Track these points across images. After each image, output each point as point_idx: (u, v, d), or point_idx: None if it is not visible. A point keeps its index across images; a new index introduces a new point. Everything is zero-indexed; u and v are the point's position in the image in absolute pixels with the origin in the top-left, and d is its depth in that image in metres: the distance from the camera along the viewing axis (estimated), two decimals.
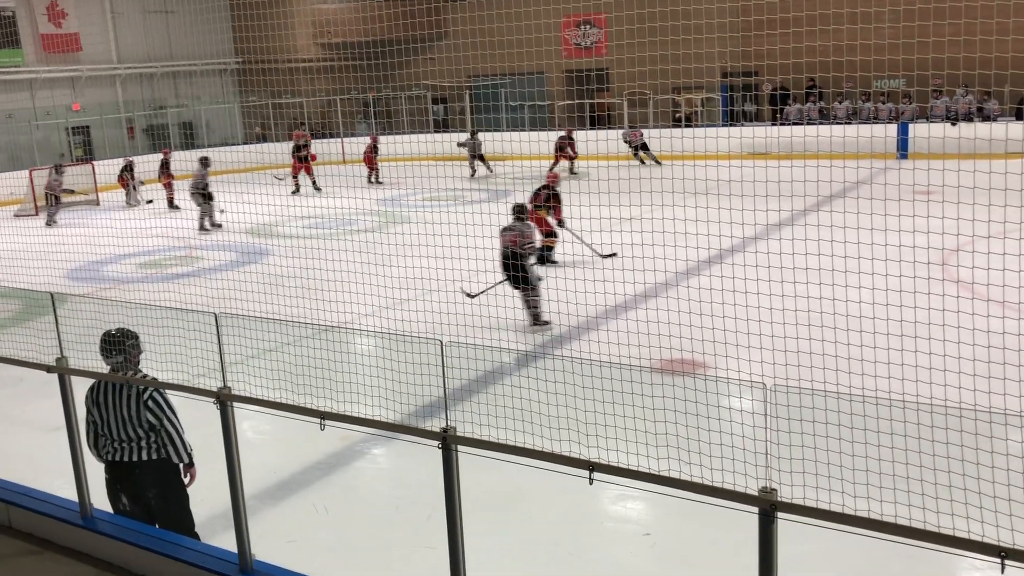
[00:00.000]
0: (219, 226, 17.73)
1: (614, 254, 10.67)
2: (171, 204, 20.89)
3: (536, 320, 9.33)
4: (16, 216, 21.20)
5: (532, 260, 9.82)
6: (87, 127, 28.51)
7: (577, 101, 27.28)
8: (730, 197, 7.07)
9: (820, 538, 3.10)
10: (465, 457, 3.74)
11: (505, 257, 9.58)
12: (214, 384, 4.37)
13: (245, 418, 4.72)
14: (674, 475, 3.33)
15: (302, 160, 22.91)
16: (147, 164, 21.29)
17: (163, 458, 4.82)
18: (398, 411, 4.39)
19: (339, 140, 28.17)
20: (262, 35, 23.74)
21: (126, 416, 4.74)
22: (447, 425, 3.74)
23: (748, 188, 7.34)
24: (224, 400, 4.31)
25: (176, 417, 4.80)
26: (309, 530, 5.75)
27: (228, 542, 4.52)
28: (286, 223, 16.78)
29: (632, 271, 6.20)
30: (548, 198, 12.21)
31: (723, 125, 24.69)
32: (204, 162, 17.90)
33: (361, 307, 8.69)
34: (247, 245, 15.19)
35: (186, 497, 4.97)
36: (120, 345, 4.78)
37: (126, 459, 4.77)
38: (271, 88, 29.34)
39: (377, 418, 4.08)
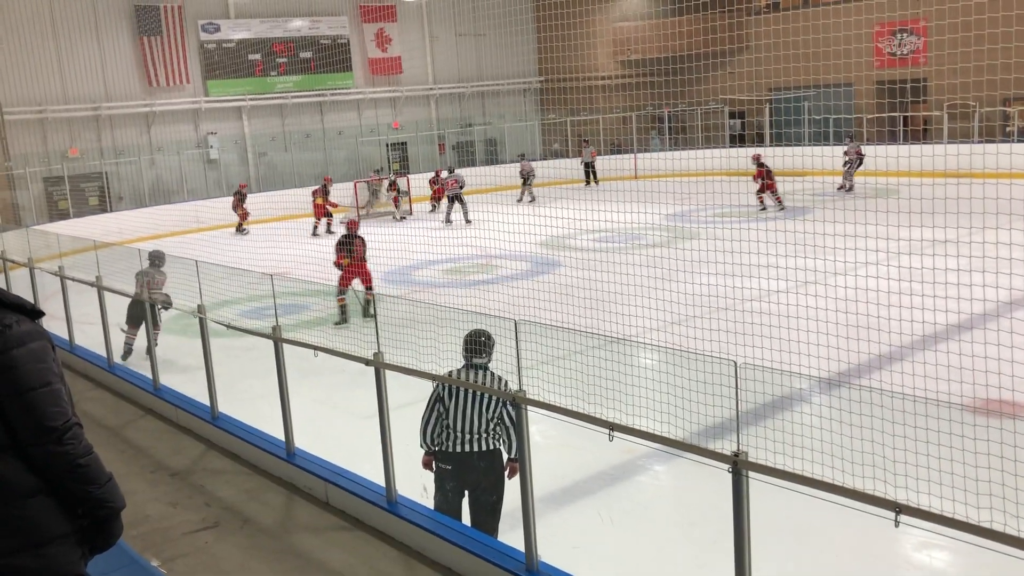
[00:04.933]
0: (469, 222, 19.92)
1: (369, 297, 9.48)
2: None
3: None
4: (341, 223, 23.55)
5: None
6: (404, 143, 31.10)
7: (889, 114, 25.47)
8: None
9: None
10: (753, 484, 3.61)
11: None
12: (510, 387, 4.56)
13: (532, 422, 4.88)
14: (996, 527, 2.99)
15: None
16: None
17: (495, 449, 5.14)
18: (685, 429, 4.32)
19: (631, 156, 28.47)
20: (564, 55, 24.63)
21: (482, 410, 5.05)
22: (738, 449, 3.63)
23: None
24: (519, 403, 4.48)
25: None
26: (592, 538, 5.82)
27: (516, 540, 4.69)
28: (577, 236, 17.20)
29: (945, 299, 5.67)
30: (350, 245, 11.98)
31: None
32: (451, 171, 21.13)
33: (649, 320, 8.69)
34: (540, 256, 15.75)
35: (503, 492, 5.21)
36: (487, 347, 5.13)
37: (466, 449, 5.09)
38: (570, 106, 30.28)
39: (665, 434, 4.04)
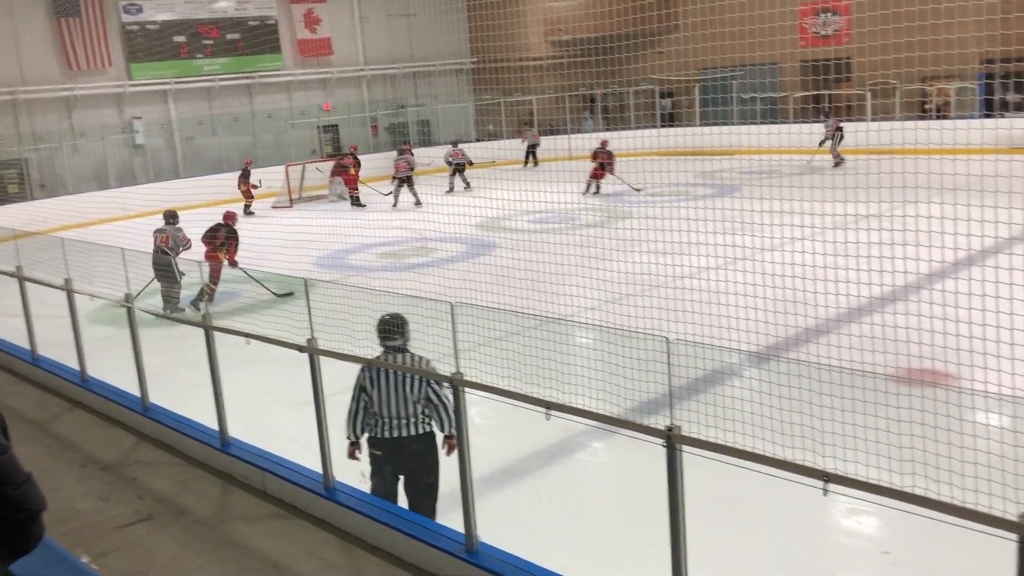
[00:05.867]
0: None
1: (290, 293, 9.97)
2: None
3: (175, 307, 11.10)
4: (273, 207, 23.16)
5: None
6: (336, 125, 30.67)
7: (814, 92, 26.01)
8: (982, 194, 6.46)
9: None
10: (687, 456, 3.67)
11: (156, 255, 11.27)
12: (447, 369, 4.55)
13: (471, 404, 4.90)
14: (919, 492, 3.10)
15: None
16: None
17: (428, 432, 5.15)
18: (621, 406, 4.38)
19: (566, 137, 28.56)
20: (496, 34, 24.52)
21: (407, 392, 5.06)
22: (672, 424, 3.69)
23: (1007, 185, 6.68)
24: (457, 385, 4.48)
25: (448, 391, 5.05)
26: (532, 517, 5.87)
27: (455, 522, 4.70)
28: (513, 217, 17.22)
29: (879, 272, 5.82)
30: (227, 237, 12.18)
31: (980, 116, 22.66)
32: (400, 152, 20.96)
33: (585, 300, 8.76)
34: (477, 238, 15.73)
35: (438, 473, 5.24)
36: (400, 329, 5.15)
37: (395, 435, 5.10)
38: (503, 86, 30.21)
39: (601, 411, 4.09)
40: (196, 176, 25.17)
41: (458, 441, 4.57)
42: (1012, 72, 23.08)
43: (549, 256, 10.02)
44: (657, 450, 3.72)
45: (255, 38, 28.35)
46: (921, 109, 24.03)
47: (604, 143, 22.22)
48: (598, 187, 21.51)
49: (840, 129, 22.41)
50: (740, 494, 5.58)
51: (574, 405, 4.12)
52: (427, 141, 30.41)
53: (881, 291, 6.75)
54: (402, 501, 5.27)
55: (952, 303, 4.85)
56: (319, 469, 5.38)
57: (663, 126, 28.55)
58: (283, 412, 7.72)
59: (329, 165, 24.81)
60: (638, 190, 20.53)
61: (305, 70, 30.06)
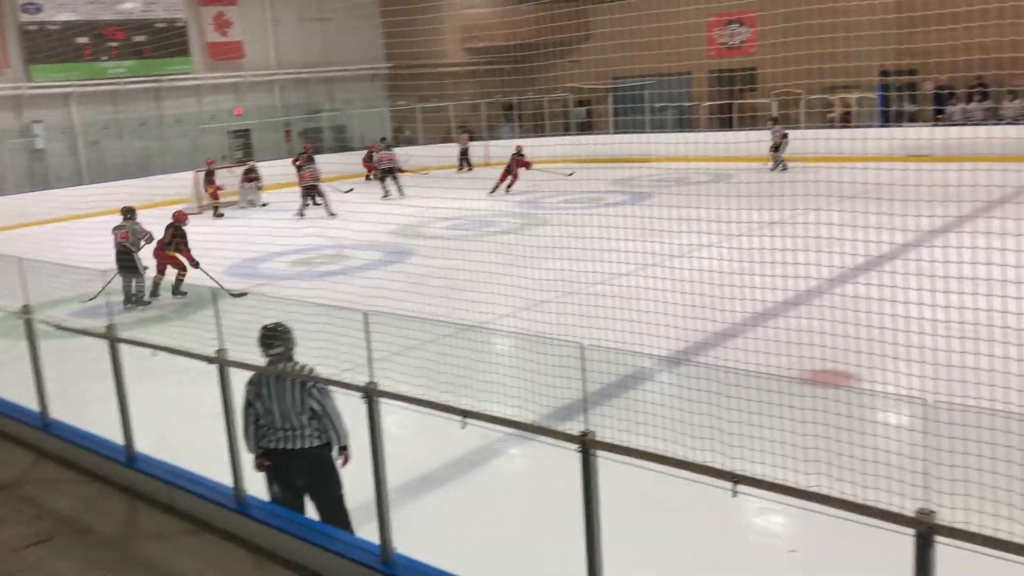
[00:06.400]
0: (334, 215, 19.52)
1: (244, 293, 10.46)
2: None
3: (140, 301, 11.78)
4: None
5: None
6: (247, 130, 30.07)
7: (723, 102, 26.67)
8: (880, 201, 6.73)
9: (983, 566, 2.90)
10: (603, 461, 3.71)
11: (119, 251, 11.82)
12: (362, 379, 4.51)
13: (388, 413, 4.85)
14: (824, 491, 3.20)
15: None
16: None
17: (323, 444, 5.05)
18: (537, 412, 4.40)
19: (483, 144, 28.66)
20: (411, 40, 24.45)
21: (290, 405, 4.97)
22: (586, 429, 3.72)
23: (906, 192, 6.96)
24: (371, 395, 4.43)
25: (335, 402, 5.01)
26: (449, 525, 5.84)
27: (371, 533, 4.65)
28: (429, 224, 17.17)
29: (782, 277, 6.01)
30: (174, 236, 12.71)
31: (879, 126, 23.57)
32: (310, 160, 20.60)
33: (501, 307, 8.78)
34: (392, 245, 15.62)
35: (341, 483, 5.16)
36: (280, 337, 5.03)
37: (288, 447, 5.00)
38: (419, 92, 30.10)
39: (516, 418, 4.10)
40: (101, 182, 24.32)
41: (372, 451, 4.51)
42: (908, 83, 24.11)
43: (465, 263, 10.01)
44: (574, 455, 3.75)
45: (163, 40, 27.58)
46: (824, 118, 24.86)
47: (519, 148, 22.86)
48: (508, 187, 22.12)
49: (786, 136, 22.77)
50: (654, 496, 5.68)
51: (490, 412, 4.12)
52: (343, 146, 30.10)
53: (784, 295, 6.96)
54: (313, 515, 5.19)
55: (852, 307, 5.04)
56: (230, 483, 5.25)
57: (578, 134, 28.90)
58: (194, 425, 7.52)
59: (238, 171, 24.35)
60: (570, 174, 20.97)
61: (215, 74, 29.39)
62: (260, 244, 15.01)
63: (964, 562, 2.91)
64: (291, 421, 4.98)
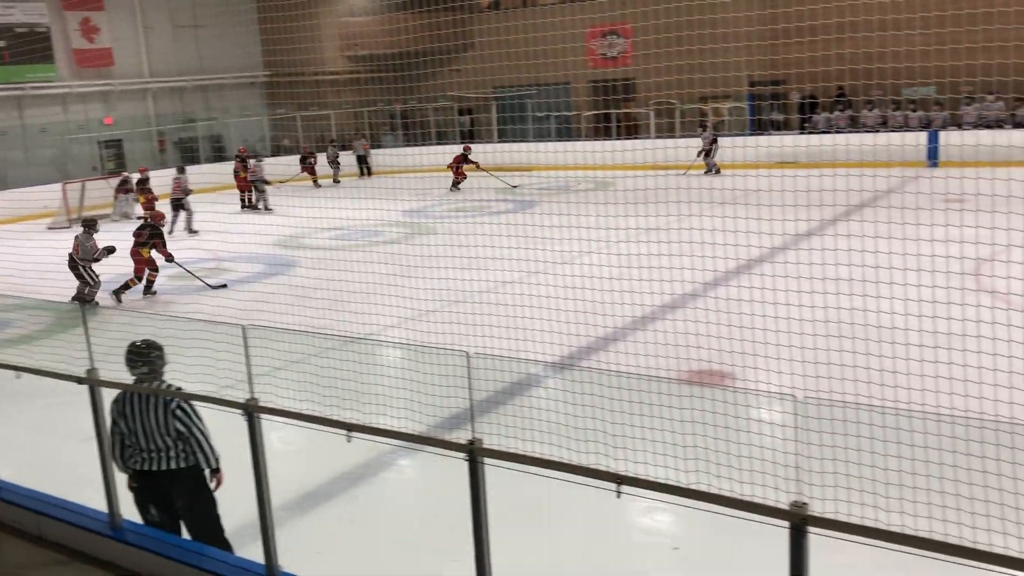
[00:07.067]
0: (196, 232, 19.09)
1: (224, 285, 10.92)
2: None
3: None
4: (49, 228, 21.49)
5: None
6: (119, 140, 28.89)
7: (603, 111, 27.25)
8: (746, 207, 7.02)
9: (853, 551, 3.05)
10: (493, 469, 3.73)
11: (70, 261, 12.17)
12: (242, 396, 4.39)
13: (273, 429, 4.74)
14: (703, 488, 3.29)
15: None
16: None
17: (191, 466, 4.86)
18: (425, 423, 4.38)
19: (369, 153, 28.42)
20: (290, 48, 24.00)
21: (154, 425, 4.78)
22: (473, 437, 3.73)
23: (775, 198, 7.28)
24: (251, 411, 4.32)
25: (203, 423, 4.84)
26: (336, 541, 5.75)
27: (255, 553, 4.53)
28: (312, 235, 16.88)
29: (659, 282, 6.17)
30: (151, 236, 13.18)
31: (750, 134, 24.51)
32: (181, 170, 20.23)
33: (387, 318, 8.71)
34: (274, 257, 15.28)
35: (215, 504, 4.99)
36: (145, 356, 4.82)
37: (155, 468, 4.81)
38: (299, 101, 29.59)
39: (403, 430, 4.07)
40: None
41: (254, 468, 4.39)
42: (775, 93, 25.21)
43: (350, 274, 9.89)
44: (464, 464, 3.75)
45: (23, 46, 26.20)
46: (700, 127, 25.72)
47: (467, 148, 24.02)
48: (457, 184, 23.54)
49: (715, 141, 23.13)
50: (542, 500, 5.73)
51: (376, 425, 4.08)
52: (219, 156, 29.25)
53: (663, 299, 7.16)
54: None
55: (726, 309, 5.22)
56: (104, 508, 5.02)
57: (463, 142, 29.00)
58: (64, 449, 7.17)
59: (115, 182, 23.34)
60: (515, 187, 21.26)
61: (83, 82, 28.12)
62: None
63: (835, 550, 3.05)
64: (156, 442, 4.78)
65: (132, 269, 12.88)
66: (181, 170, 20.62)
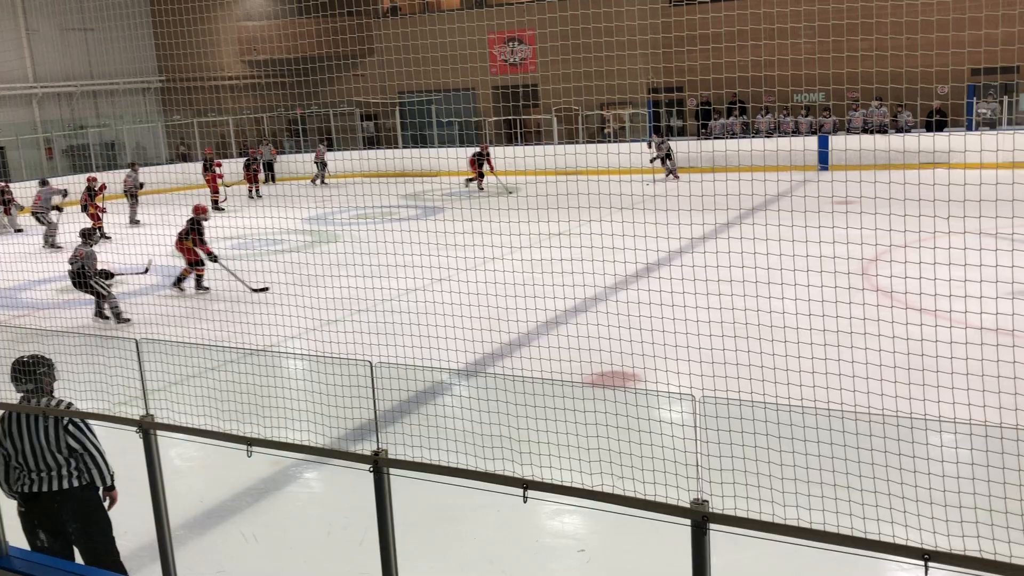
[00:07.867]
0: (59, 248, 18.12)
1: (266, 288, 11.00)
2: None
3: (119, 318, 11.17)
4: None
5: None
6: (2, 148, 27.58)
7: (506, 117, 27.41)
8: (644, 212, 7.17)
9: (754, 547, 3.14)
10: (399, 479, 3.69)
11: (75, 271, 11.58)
12: (136, 412, 4.24)
13: (171, 446, 4.57)
14: (607, 490, 3.33)
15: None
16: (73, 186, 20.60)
17: (85, 485, 4.66)
18: (329, 435, 4.31)
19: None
20: (185, 52, 23.36)
21: (44, 444, 4.56)
22: (378, 448, 3.69)
23: (674, 202, 7.44)
24: (146, 428, 4.18)
25: (97, 439, 4.65)
26: (239, 559, 5.60)
27: (154, 574, 4.38)
28: (209, 243, 16.42)
29: (562, 287, 6.23)
30: (190, 230, 13.17)
31: (650, 140, 25.02)
32: (43, 183, 19.72)
33: (288, 329, 8.55)
34: (168, 268, 14.81)
35: (110, 526, 4.80)
36: (31, 372, 4.60)
37: (45, 489, 4.59)
38: (196, 107, 28.82)
39: (306, 443, 4.00)
40: None
41: (151, 486, 4.24)
42: (674, 100, 25.82)
43: (249, 284, 9.66)
44: (371, 474, 3.70)
45: None
46: (601, 133, 26.11)
47: (484, 148, 23.56)
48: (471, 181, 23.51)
49: (667, 146, 23.05)
50: (450, 508, 5.72)
51: (278, 439, 3.99)
52: (112, 164, 28.19)
53: (567, 304, 7.24)
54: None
55: (627, 311, 5.30)
56: None
57: (366, 148, 28.74)
58: None
59: None
60: (510, 192, 21.11)
61: None
62: (19, 271, 13.78)
63: (736, 545, 3.13)
64: (46, 461, 4.57)
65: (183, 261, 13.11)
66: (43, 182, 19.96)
